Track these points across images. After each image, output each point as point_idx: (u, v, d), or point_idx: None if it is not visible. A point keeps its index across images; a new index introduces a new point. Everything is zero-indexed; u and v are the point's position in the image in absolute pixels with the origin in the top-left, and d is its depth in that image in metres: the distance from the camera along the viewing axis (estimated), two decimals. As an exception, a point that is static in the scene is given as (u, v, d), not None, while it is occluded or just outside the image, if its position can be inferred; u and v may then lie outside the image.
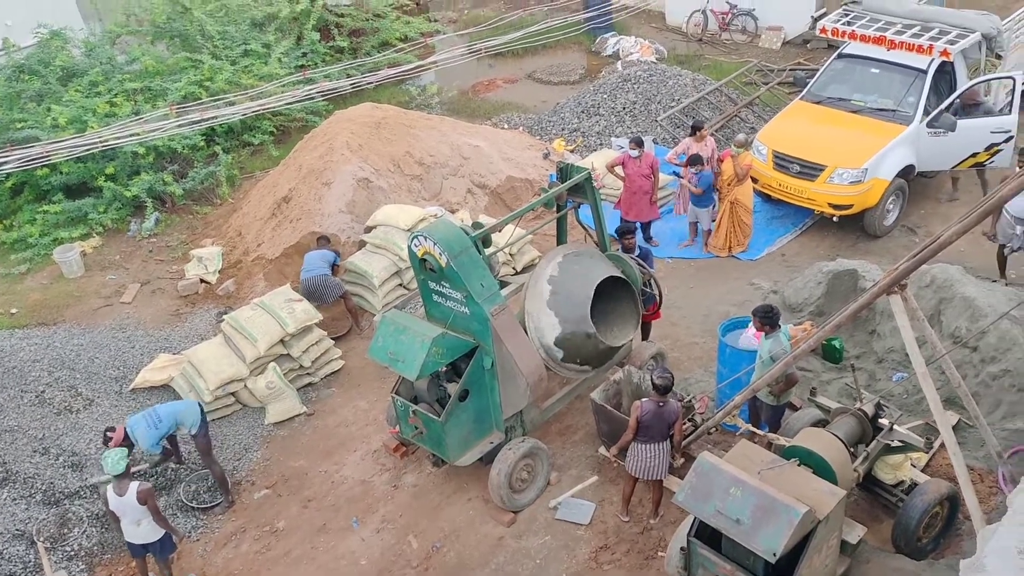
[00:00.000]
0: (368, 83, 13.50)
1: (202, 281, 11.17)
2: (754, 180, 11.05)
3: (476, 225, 7.74)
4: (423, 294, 7.48)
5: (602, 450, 7.92)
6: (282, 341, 9.15)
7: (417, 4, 18.69)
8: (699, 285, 10.52)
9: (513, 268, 10.66)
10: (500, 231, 8.43)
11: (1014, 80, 11.00)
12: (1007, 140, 10.81)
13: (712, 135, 12.02)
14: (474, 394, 7.41)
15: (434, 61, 14.83)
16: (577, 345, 7.71)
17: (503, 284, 8.09)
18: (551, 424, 8.38)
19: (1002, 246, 9.69)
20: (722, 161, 10.80)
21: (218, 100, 12.63)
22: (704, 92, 13.85)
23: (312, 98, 13.35)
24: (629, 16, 16.18)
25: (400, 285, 10.41)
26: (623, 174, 10.68)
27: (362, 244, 10.74)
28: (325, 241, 10.31)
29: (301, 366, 9.34)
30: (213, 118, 12.04)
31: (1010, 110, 10.91)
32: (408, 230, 10.15)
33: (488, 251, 7.53)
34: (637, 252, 8.68)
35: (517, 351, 7.19)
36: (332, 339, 9.76)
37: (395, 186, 11.59)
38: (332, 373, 9.63)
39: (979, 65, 11.48)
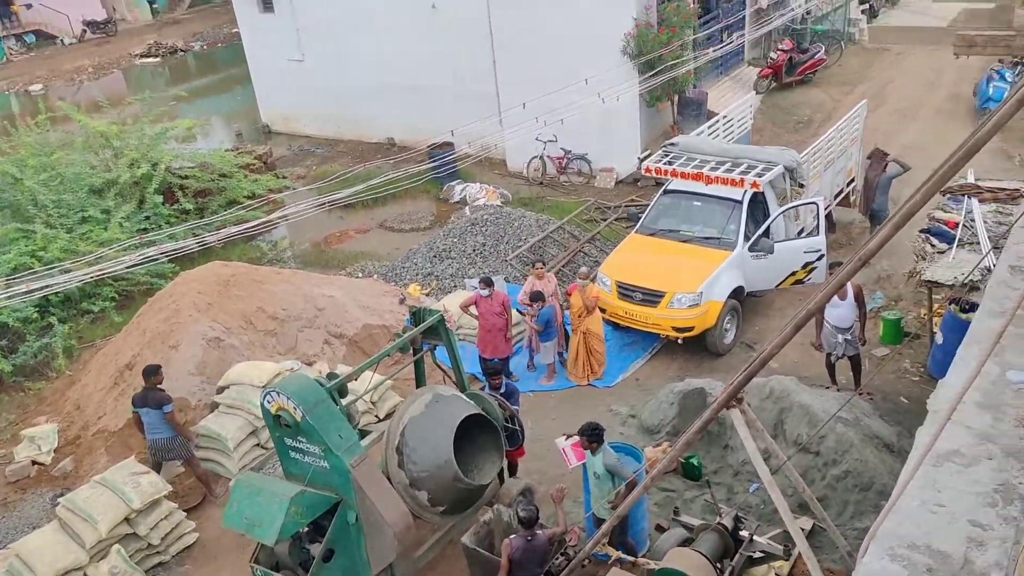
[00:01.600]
0: (215, 241, 13.36)
1: (34, 463, 10.29)
2: (602, 310, 11.57)
3: (331, 376, 7.65)
4: (280, 452, 7.22)
5: (477, 597, 7.68)
6: (127, 519, 8.48)
7: (264, 163, 18.94)
8: (561, 416, 10.70)
9: (376, 416, 10.50)
10: (357, 379, 8.36)
11: (817, 205, 12.29)
12: (819, 258, 11.93)
13: (554, 272, 12.61)
14: (339, 553, 7.09)
15: (283, 215, 14.92)
16: (443, 488, 7.59)
17: (363, 433, 7.94)
18: (424, 574, 8.07)
19: (828, 354, 10.50)
20: (570, 295, 11.30)
21: (52, 268, 12.10)
22: (549, 231, 14.60)
23: (155, 260, 13.03)
24: (473, 164, 17.04)
25: (258, 445, 10.00)
26: (477, 313, 10.95)
27: (214, 406, 10.31)
28: (155, 377, 9.29)
29: (149, 544, 8.65)
30: (47, 287, 11.48)
31: (818, 231, 12.10)
32: (263, 387, 9.87)
33: (345, 401, 7.43)
34: (503, 390, 8.80)
35: (381, 501, 7.00)
36: (184, 510, 9.14)
37: (248, 343, 11.32)
38: (185, 549, 8.95)
39: (786, 194, 12.77)
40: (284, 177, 19.01)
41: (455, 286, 13.52)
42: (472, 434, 7.92)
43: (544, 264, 12.07)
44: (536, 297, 10.99)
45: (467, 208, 16.63)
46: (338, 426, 6.93)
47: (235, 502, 6.90)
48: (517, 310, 11.58)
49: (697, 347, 11.72)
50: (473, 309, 11.00)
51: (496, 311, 10.89)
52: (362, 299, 12.83)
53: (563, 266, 13.72)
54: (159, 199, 15.53)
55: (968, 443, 3.48)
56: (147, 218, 15.35)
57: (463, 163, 16.99)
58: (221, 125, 24.60)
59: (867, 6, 24.56)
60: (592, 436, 7.38)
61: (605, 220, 15.50)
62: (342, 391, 7.35)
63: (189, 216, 15.76)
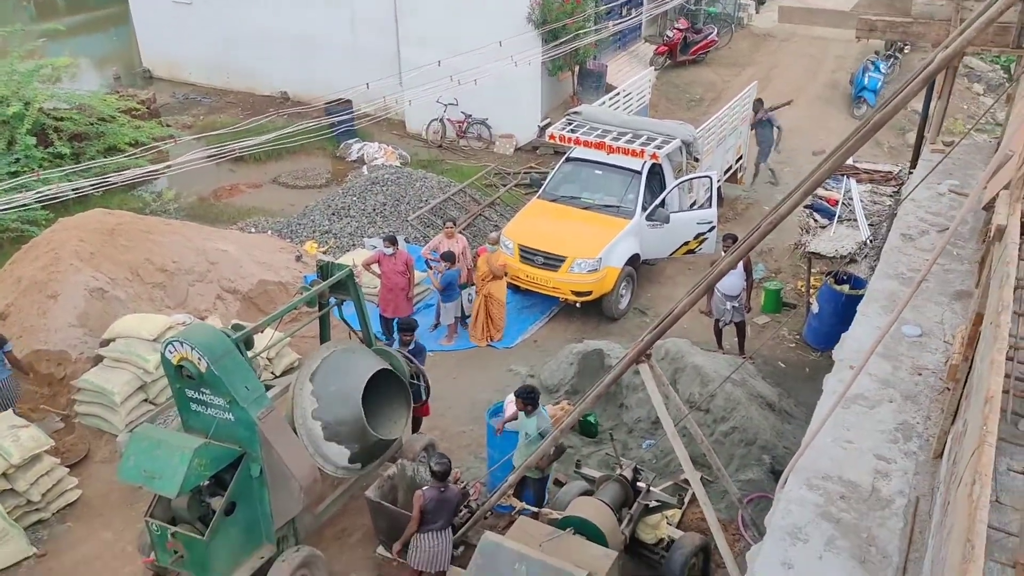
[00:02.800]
0: (92, 188, 12.58)
1: None
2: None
3: (236, 327, 7.44)
4: (180, 404, 6.98)
5: (380, 550, 7.73)
6: (4, 474, 8.00)
7: (148, 109, 17.93)
8: (462, 375, 10.81)
9: (272, 372, 10.28)
10: (262, 332, 8.15)
11: (710, 179, 12.82)
12: (711, 230, 12.47)
13: (461, 232, 12.64)
14: (241, 506, 6.96)
15: (170, 165, 14.22)
16: (352, 440, 7.56)
17: (267, 387, 7.78)
18: (325, 529, 8.05)
19: (717, 320, 11.06)
20: (477, 257, 11.36)
21: (-91, 211, 11.12)
22: (450, 193, 14.58)
23: (26, 206, 12.18)
24: (371, 123, 16.73)
25: (146, 400, 9.59)
26: (379, 272, 10.85)
27: (98, 359, 9.80)
28: None
29: (29, 501, 8.20)
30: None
31: (710, 204, 12.64)
32: (154, 340, 9.47)
33: (250, 353, 7.25)
34: (411, 347, 8.80)
35: (288, 454, 6.91)
36: (66, 467, 8.71)
37: (135, 296, 10.79)
38: (67, 506, 8.54)
39: (682, 167, 13.25)
40: (168, 126, 18.07)
41: (354, 244, 13.32)
42: (380, 389, 7.91)
43: (455, 223, 12.06)
44: (448, 257, 11.00)
45: (365, 167, 16.35)
46: (245, 378, 6.76)
47: (131, 455, 6.63)
48: (428, 265, 11.51)
49: (593, 311, 12.06)
50: (375, 268, 10.90)
51: (399, 270, 10.83)
52: (257, 255, 12.45)
53: (464, 228, 13.74)
54: (31, 141, 14.48)
55: (871, 388, 3.81)
56: (17, 160, 14.29)
57: (361, 123, 16.66)
58: (93, 68, 23.04)
59: (756, -8, 25.56)
60: (528, 399, 7.52)
61: (505, 185, 15.61)
62: (248, 343, 7.17)
63: (64, 161, 14.78)
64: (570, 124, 13.17)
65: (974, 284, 3.96)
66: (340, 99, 17.17)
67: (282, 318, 7.90)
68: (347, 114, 16.82)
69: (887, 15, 6.91)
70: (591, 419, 9.26)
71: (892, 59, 19.96)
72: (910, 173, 10.04)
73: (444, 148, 17.65)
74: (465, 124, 17.65)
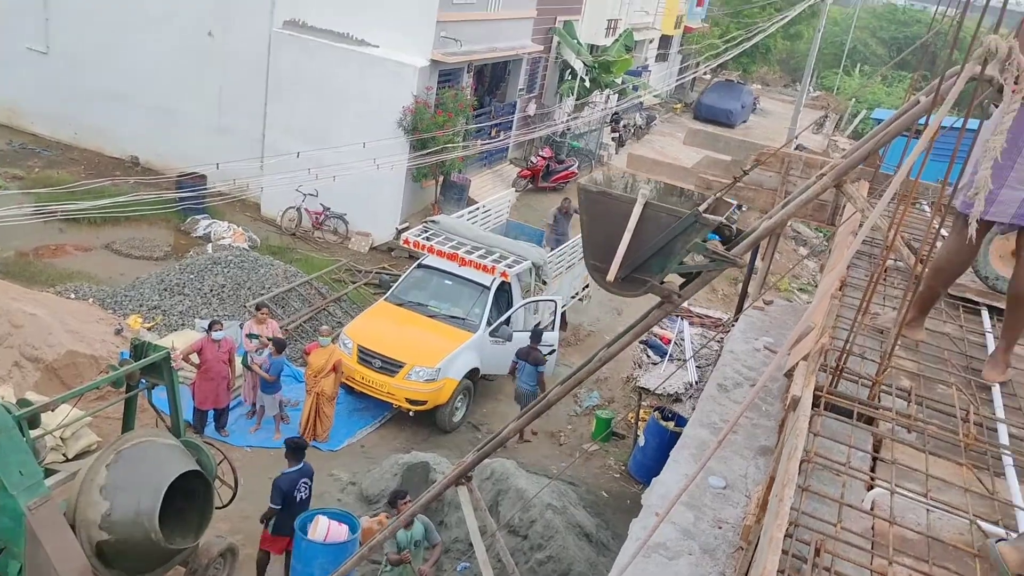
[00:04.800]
0: None
1: None
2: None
3: (23, 402, 6.70)
4: (-63, 484, 6.12)
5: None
6: None
7: (-24, 152, 16.61)
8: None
9: (64, 455, 9.29)
10: (53, 410, 7.39)
11: (555, 303, 13.15)
12: (551, 353, 12.69)
13: (296, 327, 12.23)
14: (-9, 611, 6.08)
15: (-10, 215, 13.06)
16: (134, 546, 6.83)
17: (48, 472, 6.98)
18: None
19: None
20: (308, 353, 10.96)
21: None
22: (295, 284, 14.16)
23: None
24: (224, 203, 16.22)
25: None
26: (198, 360, 10.20)
27: None
28: None
29: None
30: None
31: (553, 327, 12.91)
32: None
33: (34, 434, 6.52)
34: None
35: (59, 555, 6.14)
36: None
37: (-86, 352, 9.62)
38: None
39: (530, 287, 13.54)
40: (-2, 174, 16.78)
41: (183, 324, 12.57)
42: (182, 486, 7.27)
43: (268, 309, 11.65)
44: (280, 345, 10.55)
45: (210, 245, 15.70)
46: (20, 461, 6.04)
47: None
48: (244, 364, 10.93)
49: (426, 421, 11.82)
50: (195, 357, 10.21)
51: (223, 359, 10.26)
52: (71, 323, 11.48)
53: (305, 321, 13.32)
54: None
55: (673, 538, 3.83)
56: None
57: (215, 201, 16.10)
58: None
59: (617, 135, 27.33)
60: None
61: (355, 283, 15.37)
62: (33, 421, 6.46)
63: None
64: (427, 231, 13.25)
65: (775, 444, 4.16)
66: (194, 173, 16.58)
67: (84, 395, 7.22)
68: (199, 190, 16.21)
69: (723, 177, 7.47)
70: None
71: (738, 207, 21.59)
72: (733, 324, 10.67)
73: (298, 237, 17.29)
74: (323, 216, 17.43)
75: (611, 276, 4.85)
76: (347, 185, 15.90)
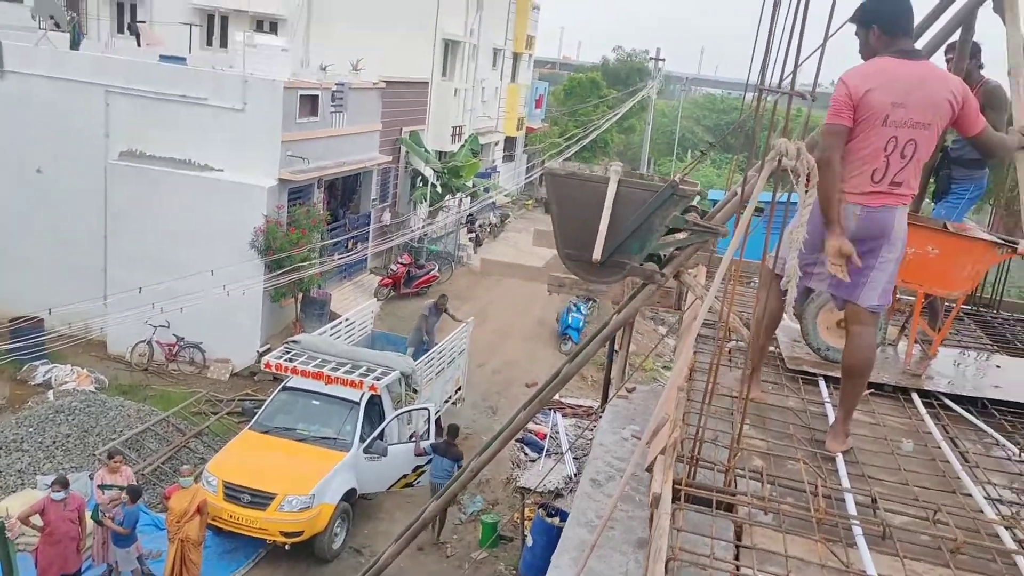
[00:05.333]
0: None
1: None
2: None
3: None
4: None
5: None
6: None
7: None
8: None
9: None
10: None
11: (428, 411, 12.98)
12: (429, 462, 12.43)
13: (154, 469, 11.44)
14: None
15: None
16: None
17: None
18: None
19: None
20: (168, 497, 10.22)
21: None
22: (150, 423, 13.32)
23: None
24: (67, 345, 15.21)
25: None
26: (41, 523, 9.26)
27: None
28: None
29: None
30: None
31: (428, 436, 12.69)
32: None
33: None
34: None
35: None
36: None
37: None
38: None
39: (401, 398, 13.33)
40: None
41: (22, 484, 11.49)
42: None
43: (121, 455, 10.87)
44: (135, 493, 9.77)
45: (51, 392, 14.59)
46: None
47: None
48: (93, 518, 9.99)
49: (304, 553, 11.21)
50: (37, 519, 9.26)
51: (70, 517, 9.37)
52: None
53: (164, 463, 12.49)
54: None
55: (562, 649, 3.75)
56: None
57: (55, 346, 15.06)
58: None
59: (473, 236, 27.93)
60: None
61: (216, 414, 14.63)
62: None
63: None
64: (289, 352, 12.88)
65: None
66: (30, 317, 15.51)
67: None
68: (35, 336, 15.11)
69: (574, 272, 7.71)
70: None
71: (591, 301, 22.33)
72: (600, 414, 10.87)
73: (151, 372, 16.39)
74: (176, 347, 16.65)
75: (596, 255, 4.59)
76: (201, 312, 15.31)
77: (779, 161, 3.12)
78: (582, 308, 21.44)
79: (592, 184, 4.62)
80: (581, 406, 12.80)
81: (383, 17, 24.11)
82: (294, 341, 13.30)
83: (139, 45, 21.69)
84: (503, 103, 34.37)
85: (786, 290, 3.84)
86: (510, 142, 36.88)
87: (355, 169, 20.50)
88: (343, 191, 22.20)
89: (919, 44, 4.78)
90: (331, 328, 14.98)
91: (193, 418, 14.32)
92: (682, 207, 4.50)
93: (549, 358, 19.70)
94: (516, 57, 36.25)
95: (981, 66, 5.67)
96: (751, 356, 4.11)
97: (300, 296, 17.81)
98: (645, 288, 5.78)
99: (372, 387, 12.31)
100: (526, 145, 39.38)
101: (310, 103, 17.81)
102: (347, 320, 15.63)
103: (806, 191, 3.09)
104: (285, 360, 12.61)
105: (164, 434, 13.40)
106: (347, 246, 20.29)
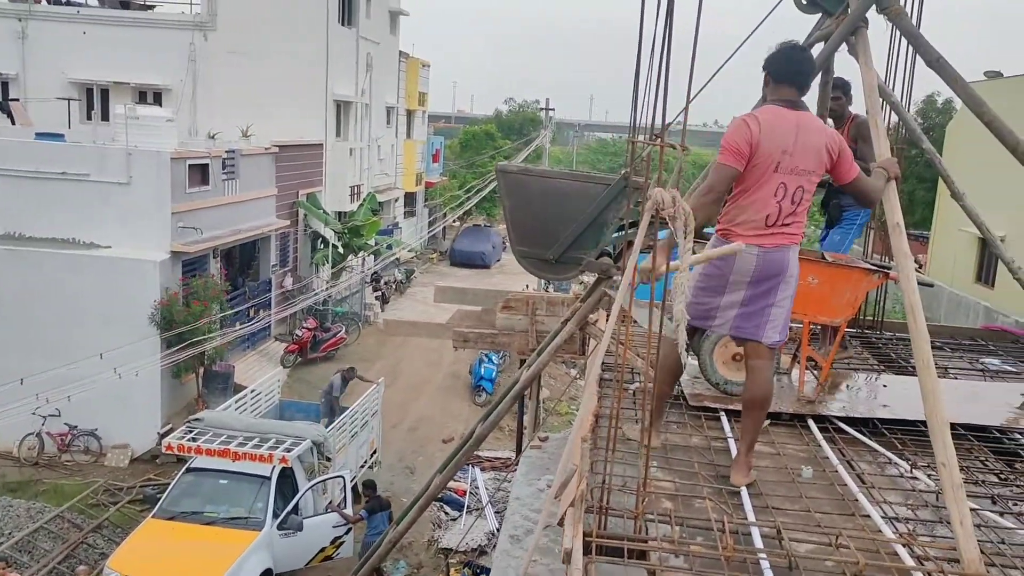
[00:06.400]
0: None
1: None
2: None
3: None
4: None
5: None
6: None
7: None
8: None
9: None
10: None
11: (344, 478, 12.63)
12: (347, 532, 12.05)
13: (49, 570, 10.68)
14: None
15: None
16: None
17: None
18: None
19: None
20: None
21: None
22: (42, 522, 12.46)
23: None
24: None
25: None
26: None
27: None
28: None
29: None
30: None
31: (345, 505, 12.33)
32: None
33: None
34: None
35: None
36: None
37: None
38: None
39: (314, 467, 12.92)
40: None
41: (-100, 603, 10.52)
42: None
43: (7, 561, 10.14)
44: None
45: (-72, 499, 13.50)
46: None
47: None
48: None
49: (221, 644, 10.60)
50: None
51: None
52: None
53: (60, 563, 11.67)
54: None
55: None
56: None
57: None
58: None
59: (379, 294, 27.68)
60: None
61: (116, 504, 13.81)
62: None
63: None
64: (191, 432, 12.34)
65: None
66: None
67: None
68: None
69: (477, 327, 7.74)
70: None
71: (502, 353, 22.37)
72: (516, 466, 10.83)
73: (41, 466, 15.39)
74: (69, 436, 15.72)
75: (553, 255, 4.54)
76: (95, 396, 14.53)
77: (657, 210, 3.22)
78: (494, 358, 21.43)
79: (545, 179, 4.64)
80: (499, 458, 12.74)
81: (273, 81, 23.94)
82: (196, 419, 12.77)
83: (13, 124, 20.85)
84: (400, 160, 34.50)
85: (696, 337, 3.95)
86: (410, 197, 36.94)
87: (252, 236, 20.09)
88: (241, 259, 21.69)
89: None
90: (236, 401, 14.46)
91: (91, 511, 13.49)
92: (636, 199, 4.53)
93: (464, 411, 19.56)
94: (410, 114, 36.54)
95: (850, 102, 6.02)
96: (652, 404, 4.18)
97: (202, 371, 17.16)
98: (554, 339, 5.83)
99: (283, 459, 11.91)
100: (427, 200, 39.53)
101: (200, 172, 17.42)
102: (253, 391, 15.13)
103: (684, 237, 3.19)
104: (188, 440, 12.07)
105: (59, 532, 12.55)
106: (249, 315, 19.75)
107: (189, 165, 16.93)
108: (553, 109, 42.33)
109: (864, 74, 4.59)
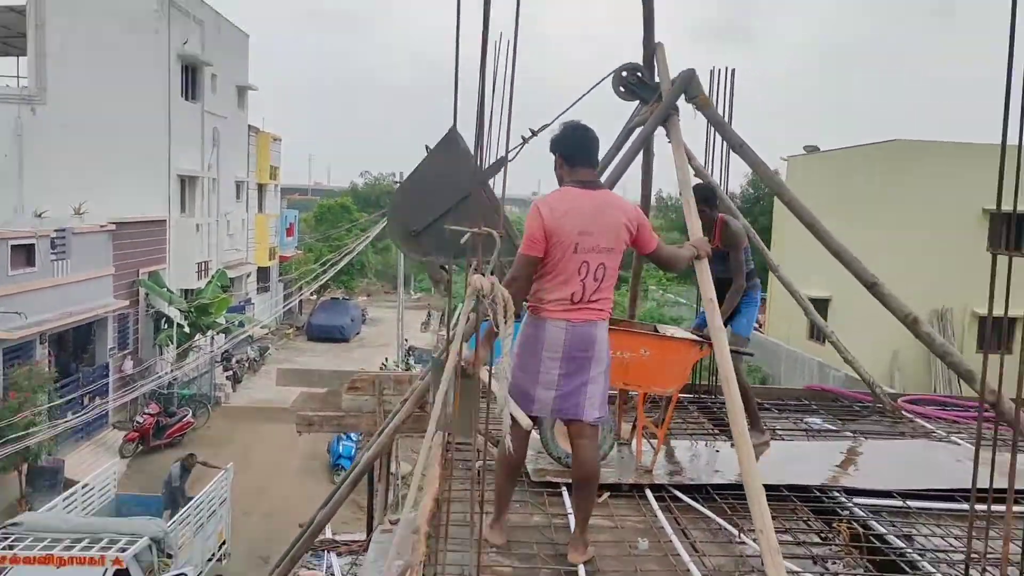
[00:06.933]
0: None
1: None
2: None
3: None
4: None
5: None
6: None
7: None
8: None
9: None
10: None
11: (186, 575, 11.76)
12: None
13: None
14: None
15: None
16: None
17: None
18: None
19: None
20: None
21: None
22: None
23: None
24: None
25: None
26: None
27: None
28: None
29: None
30: None
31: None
32: None
33: None
34: None
35: None
36: None
37: None
38: None
39: (153, 566, 11.97)
40: None
41: None
42: None
43: None
44: None
45: None
46: None
47: None
48: None
49: None
50: None
51: None
52: None
53: None
54: None
55: None
56: None
57: None
58: None
59: (231, 373, 26.48)
60: None
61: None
62: None
63: None
64: (7, 539, 11.17)
65: None
66: None
67: None
68: None
69: (322, 410, 7.50)
70: None
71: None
72: (363, 553, 10.48)
73: None
74: None
75: (417, 226, 4.67)
76: None
77: (478, 299, 3.25)
78: (353, 435, 20.82)
79: (436, 153, 4.65)
80: (356, 541, 12.26)
81: (112, 156, 22.90)
82: (14, 523, 11.62)
83: None
84: (252, 234, 33.59)
85: (527, 430, 3.96)
86: (264, 272, 35.92)
87: (86, 319, 18.85)
88: (75, 343, 20.25)
89: (614, 170, 5.31)
90: (64, 499, 13.27)
91: None
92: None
93: (323, 493, 18.62)
94: (261, 188, 35.81)
95: (715, 206, 6.01)
96: (496, 501, 4.16)
97: (25, 467, 15.68)
98: (392, 422, 5.71)
99: (116, 560, 10.98)
100: (281, 274, 38.55)
101: (24, 253, 16.28)
102: (85, 486, 13.95)
103: (504, 323, 3.23)
104: (3, 549, 10.92)
105: None
106: (82, 402, 18.36)
107: (11, 246, 15.78)
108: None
109: (676, 159, 4.89)
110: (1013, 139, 2.57)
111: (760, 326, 34.07)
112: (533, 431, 5.40)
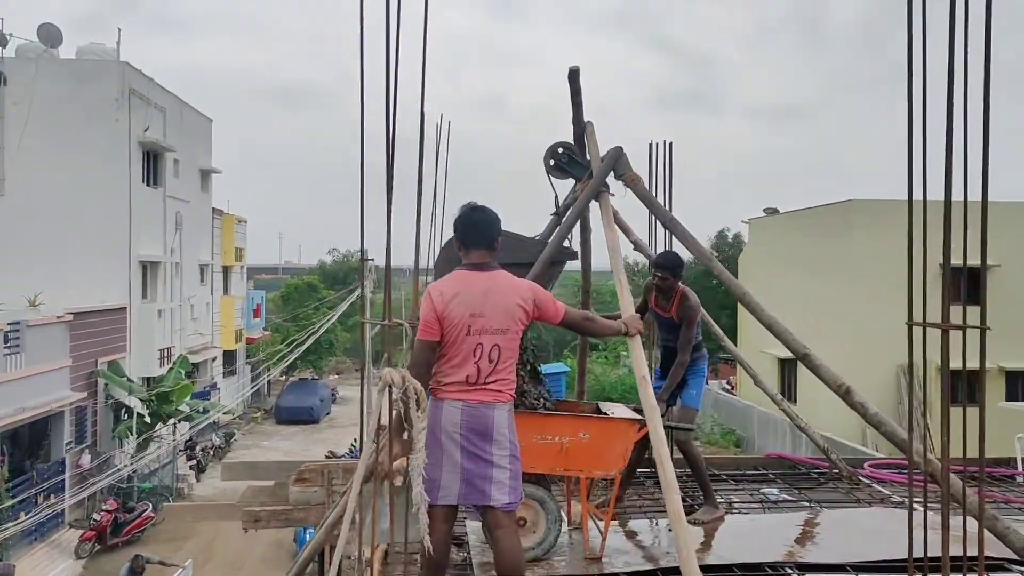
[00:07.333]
0: None
1: None
2: None
3: None
4: None
5: None
6: None
7: None
8: None
9: None
10: None
11: None
12: None
13: None
14: None
15: None
16: None
17: None
18: None
19: None
20: None
21: None
22: None
23: None
24: None
25: None
26: None
27: None
28: None
29: None
30: None
31: None
32: None
33: None
34: None
35: None
36: None
37: None
38: None
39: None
40: None
41: None
42: None
43: None
44: None
45: None
46: None
47: None
48: None
49: None
50: None
51: None
52: None
53: None
54: None
55: None
56: None
57: None
58: None
59: (195, 462, 25.75)
60: None
61: None
62: None
63: None
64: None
65: None
66: None
67: None
68: None
69: (270, 504, 7.23)
70: None
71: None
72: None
73: None
74: None
75: None
76: None
77: (389, 389, 3.15)
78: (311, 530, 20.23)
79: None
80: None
81: (70, 245, 22.68)
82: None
83: None
84: (217, 317, 33.22)
85: (450, 520, 3.80)
86: (230, 356, 35.39)
87: (40, 414, 18.30)
88: (30, 438, 19.61)
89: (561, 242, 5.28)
90: (11, 608, 12.64)
91: None
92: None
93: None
94: (227, 270, 35.59)
95: (680, 276, 5.88)
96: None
97: (-28, 575, 14.98)
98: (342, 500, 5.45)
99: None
100: (248, 356, 38.02)
101: (-25, 348, 15.89)
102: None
103: (418, 414, 3.12)
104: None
105: None
106: (36, 501, 17.68)
107: (-39, 341, 15.40)
108: (372, 259, 42.64)
109: (607, 235, 4.88)
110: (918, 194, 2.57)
111: (732, 388, 34.07)
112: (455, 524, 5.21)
